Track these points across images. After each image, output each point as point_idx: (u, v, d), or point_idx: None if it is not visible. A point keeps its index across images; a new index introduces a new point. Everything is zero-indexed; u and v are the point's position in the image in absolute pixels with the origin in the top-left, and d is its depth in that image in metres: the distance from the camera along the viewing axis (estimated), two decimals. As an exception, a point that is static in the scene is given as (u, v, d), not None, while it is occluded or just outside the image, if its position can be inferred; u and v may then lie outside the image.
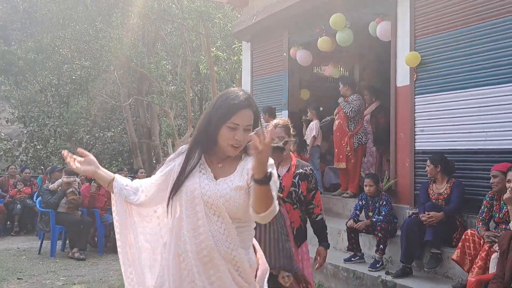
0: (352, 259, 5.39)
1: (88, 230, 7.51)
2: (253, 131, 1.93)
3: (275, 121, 3.32)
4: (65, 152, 2.12)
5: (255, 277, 2.05)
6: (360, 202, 5.57)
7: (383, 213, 5.29)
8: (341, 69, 9.12)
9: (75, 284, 5.75)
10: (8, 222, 9.51)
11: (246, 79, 9.19)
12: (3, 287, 5.56)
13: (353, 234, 5.39)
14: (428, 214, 4.66)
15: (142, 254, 2.16)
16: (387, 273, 4.86)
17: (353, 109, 6.65)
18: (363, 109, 7.08)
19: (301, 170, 3.33)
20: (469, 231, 4.33)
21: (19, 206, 9.26)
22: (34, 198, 8.55)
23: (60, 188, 7.49)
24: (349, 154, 6.67)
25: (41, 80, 15.08)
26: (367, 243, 5.57)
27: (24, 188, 9.59)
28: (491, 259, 3.91)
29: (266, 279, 2.10)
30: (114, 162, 16.02)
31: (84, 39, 14.91)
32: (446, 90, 5.33)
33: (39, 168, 15.47)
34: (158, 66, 13.03)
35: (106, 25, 13.37)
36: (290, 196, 3.27)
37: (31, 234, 9.27)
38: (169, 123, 12.95)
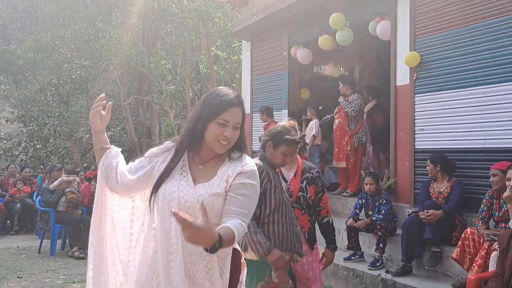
0: (352, 257, 5.40)
1: (88, 229, 7.45)
2: (240, 130, 1.96)
3: (283, 122, 3.31)
4: (103, 97, 2.12)
5: (238, 282, 2.04)
6: (360, 201, 5.58)
7: (383, 212, 5.29)
8: (341, 69, 9.13)
9: (74, 282, 5.75)
10: (8, 221, 9.51)
11: (246, 78, 9.20)
12: (3, 286, 5.56)
13: (353, 233, 5.39)
14: (427, 212, 4.67)
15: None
16: (387, 271, 4.87)
17: (355, 108, 6.66)
18: (364, 108, 7.10)
19: (308, 174, 3.31)
20: (468, 229, 4.34)
21: (18, 205, 9.27)
22: (34, 197, 8.55)
23: (59, 187, 7.50)
24: (349, 153, 6.68)
25: (41, 79, 15.05)
26: (367, 242, 5.58)
27: (24, 187, 9.60)
28: (490, 258, 3.91)
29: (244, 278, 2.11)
30: (113, 161, 15.93)
31: (84, 39, 14.91)
32: (446, 89, 5.34)
33: (38, 167, 15.47)
34: (158, 66, 13.03)
35: (106, 25, 13.37)
36: (298, 201, 3.24)
37: (31, 233, 9.27)
38: (169, 122, 12.96)
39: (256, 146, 8.19)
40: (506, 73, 4.77)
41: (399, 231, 5.20)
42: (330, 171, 7.86)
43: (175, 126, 13.78)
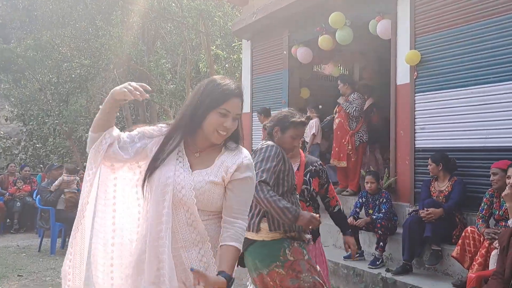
0: (352, 256, 5.40)
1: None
2: (238, 121, 1.94)
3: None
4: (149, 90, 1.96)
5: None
6: (360, 200, 5.59)
7: (383, 211, 5.30)
8: (341, 68, 9.13)
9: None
10: (8, 220, 9.51)
11: (246, 77, 9.19)
12: (3, 284, 5.56)
13: (353, 232, 5.39)
14: (427, 211, 4.68)
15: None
16: (387, 270, 4.87)
17: (357, 108, 6.65)
18: (364, 106, 7.09)
19: (311, 167, 3.32)
20: (469, 228, 4.35)
21: (18, 203, 9.27)
22: (34, 196, 8.56)
23: (57, 188, 7.51)
24: (351, 152, 6.68)
25: (41, 78, 15.05)
26: (367, 241, 5.59)
27: (24, 186, 9.60)
28: (491, 256, 3.93)
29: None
30: (113, 160, 15.95)
31: (84, 38, 14.88)
32: (446, 88, 5.34)
33: (38, 166, 15.46)
34: (158, 65, 13.03)
35: (106, 24, 13.36)
36: (302, 194, 3.25)
37: (31, 232, 9.27)
38: (168, 121, 12.94)
39: (256, 144, 8.18)
40: (506, 72, 4.78)
41: (399, 230, 5.21)
42: (330, 170, 7.84)
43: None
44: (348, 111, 6.68)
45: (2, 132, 16.89)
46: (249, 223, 2.79)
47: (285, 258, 2.79)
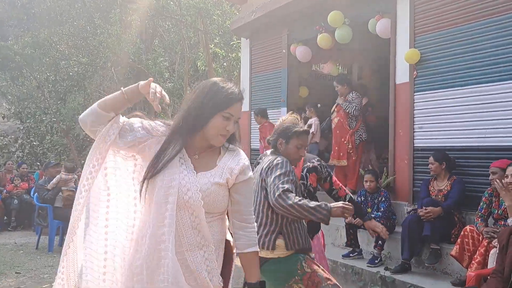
0: (351, 254, 5.41)
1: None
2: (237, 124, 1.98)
3: (283, 117, 3.28)
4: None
5: (230, 272, 2.05)
6: (359, 198, 5.59)
7: (382, 209, 5.30)
8: (340, 67, 9.14)
9: (73, 278, 5.72)
10: (5, 217, 9.49)
11: (245, 75, 9.19)
12: (1, 282, 5.55)
13: (351, 230, 5.40)
14: (426, 209, 4.68)
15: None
16: (386, 268, 4.88)
17: (357, 107, 6.64)
18: (362, 105, 7.10)
19: (308, 163, 3.31)
20: (468, 227, 4.36)
21: (16, 201, 9.24)
22: (31, 193, 8.54)
23: (55, 186, 7.49)
24: (351, 151, 6.68)
25: (38, 76, 14.99)
26: (365, 239, 5.59)
27: (21, 184, 9.57)
28: (489, 255, 3.94)
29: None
30: (111, 158, 15.92)
31: (82, 36, 14.85)
32: (445, 87, 5.35)
33: (35, 164, 15.41)
34: (156, 63, 13.02)
35: (104, 22, 13.34)
36: (299, 189, 3.26)
37: (28, 229, 9.24)
38: (166, 120, 12.93)
39: (255, 144, 8.19)
40: (506, 71, 4.79)
41: (397, 229, 5.22)
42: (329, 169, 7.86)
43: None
44: (348, 110, 6.67)
45: (-1, 130, 16.85)
46: (264, 241, 2.77)
47: (303, 271, 2.76)
